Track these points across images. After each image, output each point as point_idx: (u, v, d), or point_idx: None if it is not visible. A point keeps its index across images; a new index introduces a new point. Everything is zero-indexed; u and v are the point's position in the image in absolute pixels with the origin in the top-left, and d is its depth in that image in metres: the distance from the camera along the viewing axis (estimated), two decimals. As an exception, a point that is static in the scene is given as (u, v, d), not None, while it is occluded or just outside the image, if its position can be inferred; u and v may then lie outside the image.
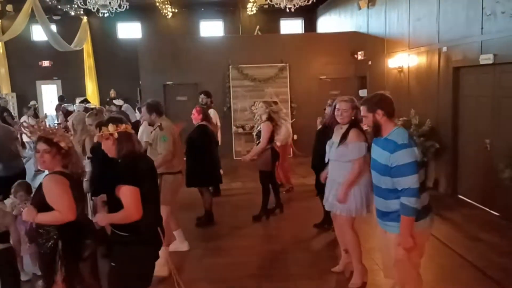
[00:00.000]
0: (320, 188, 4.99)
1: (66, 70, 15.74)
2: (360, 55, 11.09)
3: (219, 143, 7.15)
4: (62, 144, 2.90)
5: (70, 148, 2.96)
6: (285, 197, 7.04)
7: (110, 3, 8.57)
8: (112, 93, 15.03)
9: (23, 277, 4.39)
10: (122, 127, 2.78)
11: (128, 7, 9.23)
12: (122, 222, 2.68)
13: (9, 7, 12.51)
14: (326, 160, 4.18)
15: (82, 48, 15.38)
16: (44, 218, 2.83)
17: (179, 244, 5.02)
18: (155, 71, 11.20)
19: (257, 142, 6.15)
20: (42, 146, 2.87)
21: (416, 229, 2.91)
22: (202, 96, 8.01)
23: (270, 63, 11.25)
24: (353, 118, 3.95)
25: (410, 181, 2.83)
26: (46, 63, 15.64)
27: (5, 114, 12.05)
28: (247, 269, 4.56)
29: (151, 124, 4.90)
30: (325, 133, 4.54)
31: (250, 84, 11.14)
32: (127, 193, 2.62)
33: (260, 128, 6.12)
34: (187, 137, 5.93)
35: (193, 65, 11.06)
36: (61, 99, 14.18)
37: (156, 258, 2.90)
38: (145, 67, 11.38)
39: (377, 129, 3.07)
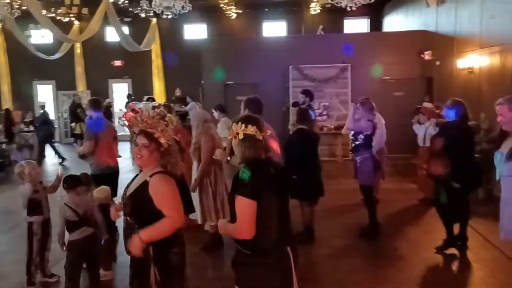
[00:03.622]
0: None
1: (136, 69, 16.52)
2: (427, 55, 10.56)
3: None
4: (162, 141, 2.63)
5: (170, 146, 2.68)
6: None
7: (174, 5, 8.87)
8: (178, 92, 15.55)
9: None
10: (251, 129, 2.46)
11: (191, 8, 9.51)
12: (233, 236, 2.46)
13: (84, 10, 13.37)
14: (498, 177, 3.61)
15: (151, 49, 16.10)
16: (152, 233, 2.50)
17: None
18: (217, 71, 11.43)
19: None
20: (141, 139, 2.61)
21: None
22: (300, 95, 7.30)
23: (331, 63, 11.05)
24: None
25: None
26: (117, 63, 16.52)
27: (78, 110, 12.96)
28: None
29: None
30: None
31: (309, 84, 11.01)
32: (239, 206, 2.36)
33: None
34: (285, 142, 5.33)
35: (253, 65, 11.15)
36: (129, 97, 14.91)
37: (284, 283, 2.48)
38: (207, 66, 11.65)
39: None
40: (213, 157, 4.52)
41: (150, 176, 2.57)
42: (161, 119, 2.66)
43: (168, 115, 2.76)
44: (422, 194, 6.87)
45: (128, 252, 2.60)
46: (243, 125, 2.46)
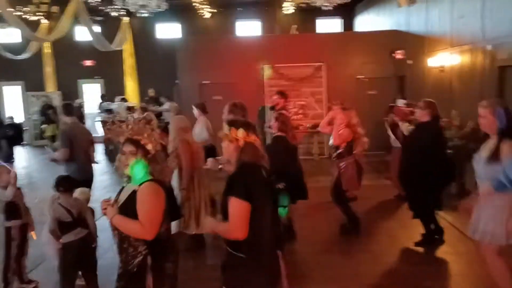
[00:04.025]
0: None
1: (108, 69, 16.21)
2: (399, 54, 10.81)
3: None
4: (149, 147, 2.63)
5: (156, 152, 2.69)
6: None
7: (149, 3, 8.75)
8: (151, 92, 15.33)
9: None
10: (252, 138, 2.52)
11: (167, 7, 9.40)
12: (224, 235, 2.47)
13: (54, 9, 13.02)
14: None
15: (123, 48, 15.82)
16: (122, 222, 2.53)
17: None
18: (192, 70, 11.36)
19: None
20: (128, 147, 2.60)
21: None
22: (275, 97, 6.81)
23: (306, 63, 11.15)
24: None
25: None
26: (88, 63, 16.17)
27: (49, 112, 12.62)
28: None
29: None
30: None
31: (285, 83, 11.07)
32: (235, 206, 2.38)
33: None
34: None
35: (229, 64, 11.12)
36: (102, 97, 14.62)
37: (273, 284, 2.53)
38: (182, 66, 11.56)
39: None
40: (204, 167, 4.44)
41: (140, 185, 2.55)
42: (147, 123, 2.65)
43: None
44: (396, 190, 7.03)
45: (126, 264, 2.56)
46: (244, 132, 2.50)
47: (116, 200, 2.65)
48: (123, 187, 2.73)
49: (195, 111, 6.55)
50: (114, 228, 2.58)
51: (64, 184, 3.86)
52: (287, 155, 5.13)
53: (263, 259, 2.45)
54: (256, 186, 2.43)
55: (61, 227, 3.76)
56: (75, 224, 3.76)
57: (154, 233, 2.52)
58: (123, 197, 2.62)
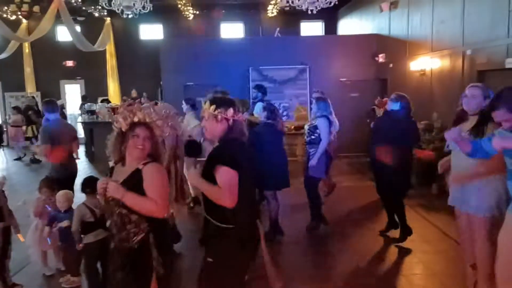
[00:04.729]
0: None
1: (89, 70, 15.98)
2: (381, 58, 11.00)
3: None
4: (157, 133, 2.62)
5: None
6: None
7: (134, 4, 8.70)
8: (134, 93, 15.23)
9: (47, 272, 4.50)
10: (239, 116, 2.61)
11: (151, 8, 9.35)
12: (211, 198, 2.48)
13: (36, 8, 12.80)
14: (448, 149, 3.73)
15: (105, 49, 15.65)
16: (136, 200, 2.45)
17: None
18: (176, 72, 11.32)
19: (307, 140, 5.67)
20: (144, 131, 2.54)
21: None
22: (253, 90, 7.83)
23: (290, 65, 11.24)
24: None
25: None
26: (70, 63, 15.92)
27: (30, 112, 12.39)
28: None
29: None
30: None
31: (269, 85, 11.12)
32: (225, 174, 2.42)
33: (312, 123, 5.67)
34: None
35: (213, 66, 11.12)
36: (84, 98, 14.43)
37: (254, 254, 2.68)
38: (166, 68, 11.52)
39: None
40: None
41: (143, 165, 2.53)
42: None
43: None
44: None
45: (125, 241, 2.52)
46: (233, 111, 2.56)
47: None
48: (112, 168, 2.71)
49: (184, 106, 6.73)
50: (116, 206, 2.52)
51: (90, 185, 3.89)
52: (272, 142, 5.28)
53: (245, 229, 2.55)
54: (243, 159, 2.53)
55: (83, 228, 3.81)
56: (96, 225, 3.78)
57: (166, 210, 2.54)
58: (123, 175, 2.57)
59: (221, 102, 2.60)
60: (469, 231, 3.48)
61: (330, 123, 5.73)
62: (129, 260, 2.52)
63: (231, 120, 2.56)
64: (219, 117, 2.55)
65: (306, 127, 5.86)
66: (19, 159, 12.07)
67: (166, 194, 2.58)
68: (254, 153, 4.65)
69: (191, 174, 2.64)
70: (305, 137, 5.76)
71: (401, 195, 5.33)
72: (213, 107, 2.57)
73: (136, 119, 2.55)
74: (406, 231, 5.23)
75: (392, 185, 5.19)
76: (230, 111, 2.56)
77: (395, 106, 5.15)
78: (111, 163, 2.76)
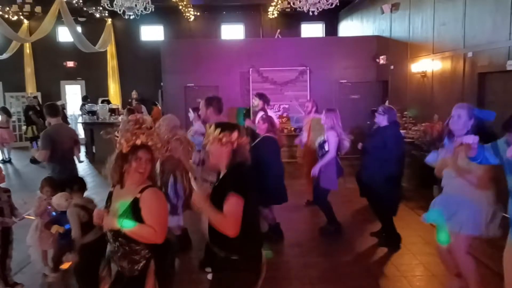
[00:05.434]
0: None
1: (90, 71, 16.00)
2: (382, 60, 11.01)
3: None
4: (156, 155, 2.59)
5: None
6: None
7: (136, 5, 8.71)
8: (134, 94, 15.22)
9: (47, 272, 4.49)
10: (244, 139, 2.59)
11: (153, 9, 9.37)
12: (215, 225, 2.44)
13: (37, 9, 12.82)
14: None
15: (106, 50, 15.66)
16: (133, 229, 2.43)
17: None
18: (177, 73, 11.34)
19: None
20: (146, 155, 2.50)
21: None
22: (254, 98, 6.91)
23: (291, 67, 11.26)
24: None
25: None
26: (70, 64, 15.92)
27: (30, 112, 12.38)
28: None
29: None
30: None
31: (270, 87, 11.16)
32: (233, 204, 2.39)
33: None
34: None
35: (214, 67, 11.15)
36: (84, 99, 14.43)
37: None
38: (167, 69, 11.54)
39: None
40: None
41: (140, 192, 2.49)
42: (149, 129, 2.57)
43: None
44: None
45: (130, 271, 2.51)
46: (237, 135, 2.55)
47: (108, 207, 2.61)
48: (111, 192, 2.67)
49: (191, 114, 6.44)
50: (116, 236, 2.50)
51: (79, 183, 3.99)
52: (273, 156, 5.23)
53: (255, 261, 2.51)
54: (252, 186, 2.50)
55: (81, 228, 3.80)
56: (92, 223, 3.76)
57: (164, 236, 2.49)
58: (117, 204, 2.54)
59: (225, 126, 2.61)
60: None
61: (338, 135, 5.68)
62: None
63: (235, 144, 2.55)
64: (224, 140, 2.53)
65: (316, 143, 5.82)
66: (2, 162, 11.64)
67: (164, 220, 2.55)
68: (257, 173, 4.69)
69: (196, 195, 2.57)
70: (317, 152, 5.72)
71: (391, 212, 5.37)
72: (218, 130, 2.57)
73: (138, 142, 2.50)
74: (393, 238, 5.30)
75: (382, 202, 5.27)
76: (235, 134, 2.55)
77: (383, 121, 5.16)
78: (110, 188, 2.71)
